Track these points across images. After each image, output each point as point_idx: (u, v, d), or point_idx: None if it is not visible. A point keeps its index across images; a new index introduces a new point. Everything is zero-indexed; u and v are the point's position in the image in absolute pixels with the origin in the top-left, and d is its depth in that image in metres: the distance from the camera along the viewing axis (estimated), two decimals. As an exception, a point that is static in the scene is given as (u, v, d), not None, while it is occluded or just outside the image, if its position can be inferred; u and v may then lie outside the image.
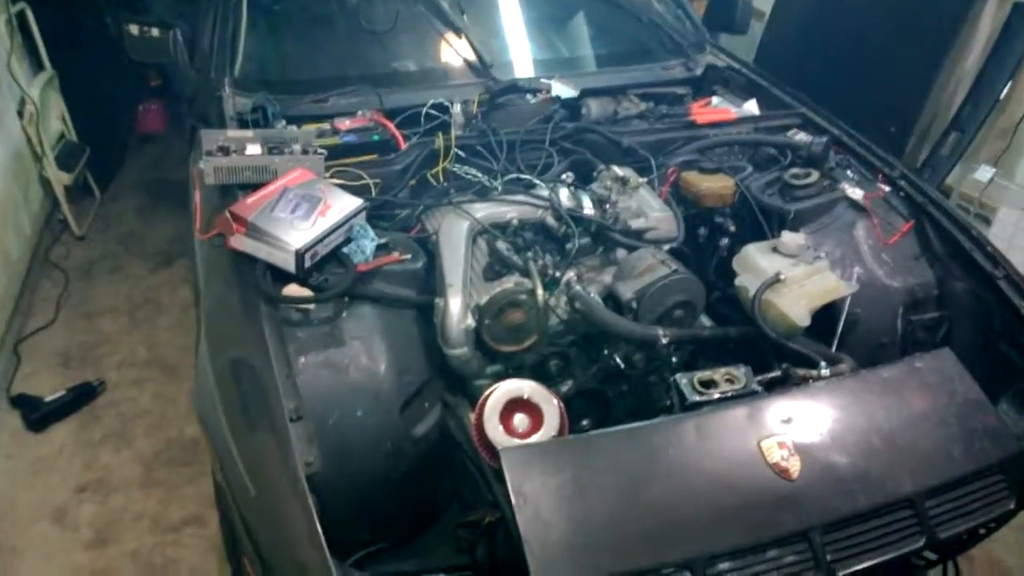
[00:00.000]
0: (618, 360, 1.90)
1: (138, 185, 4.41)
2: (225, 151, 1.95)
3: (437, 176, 2.19)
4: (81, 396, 2.80)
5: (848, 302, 1.87)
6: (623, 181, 2.08)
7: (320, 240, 1.67)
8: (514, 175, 2.07)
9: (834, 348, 1.86)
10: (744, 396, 1.53)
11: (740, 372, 1.58)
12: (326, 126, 2.28)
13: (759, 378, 1.75)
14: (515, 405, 1.53)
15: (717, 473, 1.36)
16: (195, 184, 1.95)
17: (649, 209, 2.04)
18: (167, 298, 3.43)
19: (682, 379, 1.55)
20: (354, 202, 1.80)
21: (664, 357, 1.91)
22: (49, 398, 2.75)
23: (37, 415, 2.69)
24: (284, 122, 2.28)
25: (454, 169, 2.19)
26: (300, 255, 1.63)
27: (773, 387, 1.76)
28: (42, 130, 3.76)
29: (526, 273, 1.80)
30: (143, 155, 4.70)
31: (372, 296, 1.69)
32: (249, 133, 2.03)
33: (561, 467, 1.34)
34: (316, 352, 1.59)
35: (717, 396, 1.52)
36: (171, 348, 3.09)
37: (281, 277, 1.68)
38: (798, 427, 1.44)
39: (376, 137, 2.25)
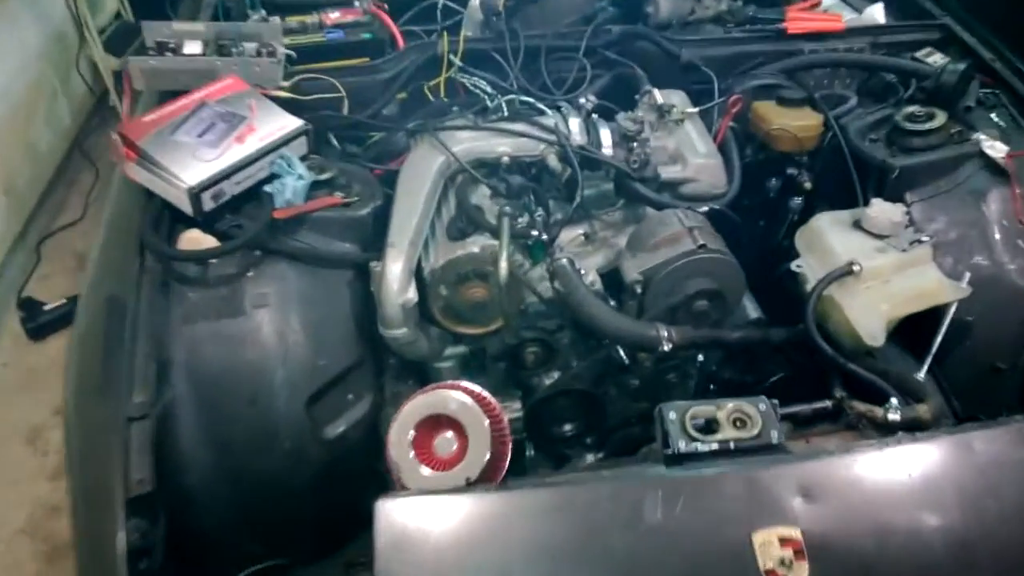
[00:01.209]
0: (621, 353, 1.47)
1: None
2: (162, 49, 1.61)
3: (438, 89, 1.77)
4: (82, 307, 2.67)
5: (953, 309, 1.33)
6: (661, 111, 1.58)
7: (227, 175, 1.32)
8: (512, 95, 1.61)
9: (924, 371, 1.35)
10: (754, 451, 1.08)
11: (756, 410, 1.12)
12: (315, 18, 1.89)
13: (795, 409, 1.30)
14: (443, 420, 1.17)
15: (680, 574, 0.95)
16: (124, 88, 1.63)
17: (690, 153, 1.54)
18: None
19: (670, 413, 1.12)
20: (289, 125, 1.43)
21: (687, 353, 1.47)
22: (49, 306, 2.64)
23: (35, 324, 2.59)
24: (263, 12, 1.91)
25: (463, 81, 1.76)
26: (195, 195, 1.29)
27: (813, 424, 1.31)
28: (90, 9, 3.57)
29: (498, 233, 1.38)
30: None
31: (287, 251, 1.34)
32: (200, 27, 1.68)
33: (453, 534, 0.97)
34: (207, 321, 1.28)
35: (716, 446, 1.08)
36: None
37: (185, 216, 1.36)
38: (819, 512, 0.99)
39: (369, 35, 1.84)
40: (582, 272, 1.37)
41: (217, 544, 1.28)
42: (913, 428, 1.25)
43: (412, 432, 1.14)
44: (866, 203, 1.51)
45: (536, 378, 1.54)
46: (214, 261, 1.31)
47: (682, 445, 1.08)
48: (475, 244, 1.39)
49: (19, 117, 3.02)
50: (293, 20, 1.88)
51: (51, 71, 3.34)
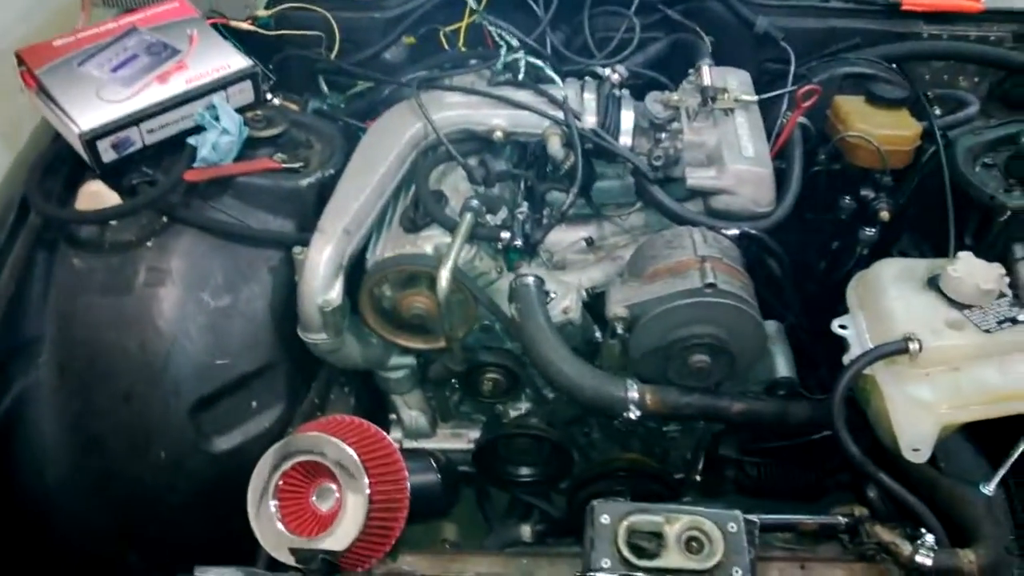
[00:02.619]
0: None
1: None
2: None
3: (457, 36, 1.52)
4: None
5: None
6: (706, 94, 1.26)
7: (135, 120, 1.13)
8: (517, 55, 1.34)
9: (992, 485, 1.02)
10: (701, 591, 0.82)
11: (721, 532, 0.85)
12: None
13: (795, 519, 1.01)
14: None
15: None
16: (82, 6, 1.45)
17: (732, 155, 1.23)
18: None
19: (603, 515, 0.86)
20: (231, 65, 1.21)
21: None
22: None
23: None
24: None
25: (491, 30, 1.49)
26: (88, 141, 1.10)
27: (820, 540, 1.03)
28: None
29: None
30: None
31: (198, 221, 1.14)
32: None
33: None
34: (88, 294, 1.11)
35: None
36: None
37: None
38: None
39: (386, -39, 1.59)
40: (552, 296, 1.11)
41: (89, 555, 1.14)
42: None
43: (277, 474, 0.94)
44: (959, 250, 1.17)
45: (500, 405, 1.31)
46: (112, 223, 1.13)
47: (605, 566, 0.83)
48: (428, 241, 1.15)
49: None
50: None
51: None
